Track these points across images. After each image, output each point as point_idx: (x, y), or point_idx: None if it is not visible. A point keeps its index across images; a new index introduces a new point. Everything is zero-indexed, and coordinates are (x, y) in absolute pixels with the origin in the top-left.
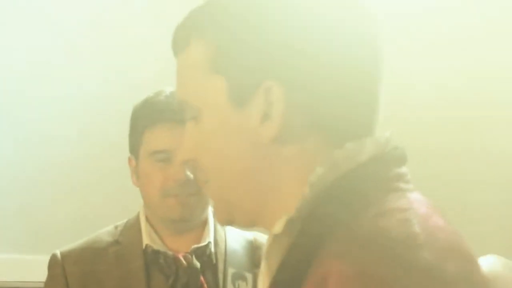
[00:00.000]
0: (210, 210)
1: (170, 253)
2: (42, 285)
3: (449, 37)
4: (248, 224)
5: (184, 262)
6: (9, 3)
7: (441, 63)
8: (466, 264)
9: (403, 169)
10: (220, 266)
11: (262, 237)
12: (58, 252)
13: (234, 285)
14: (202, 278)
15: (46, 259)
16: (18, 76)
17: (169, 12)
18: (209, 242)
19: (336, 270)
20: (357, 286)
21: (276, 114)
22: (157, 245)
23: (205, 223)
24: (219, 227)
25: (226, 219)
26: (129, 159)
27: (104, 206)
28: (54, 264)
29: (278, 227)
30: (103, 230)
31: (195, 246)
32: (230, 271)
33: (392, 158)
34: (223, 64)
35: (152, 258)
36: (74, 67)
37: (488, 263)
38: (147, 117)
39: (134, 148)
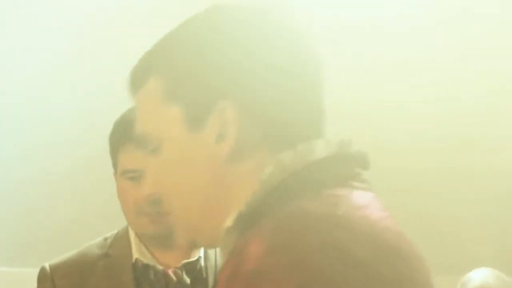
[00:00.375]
0: None
1: (160, 268)
2: None
3: (430, 55)
4: (211, 244)
5: (174, 277)
6: (13, 8)
7: (426, 80)
8: (384, 255)
9: (361, 171)
10: (211, 280)
11: None
12: (47, 265)
13: None
14: None
15: (35, 272)
16: (19, 80)
17: (171, 17)
18: (200, 257)
19: (252, 240)
20: (270, 256)
21: (230, 132)
22: (147, 259)
23: None
24: None
25: (190, 241)
26: (114, 175)
27: (94, 218)
28: (43, 277)
29: (229, 221)
30: (93, 242)
31: (185, 261)
32: None
33: (347, 158)
34: (177, 93)
35: (142, 272)
36: (76, 71)
37: (481, 275)
38: (120, 135)
39: (114, 165)
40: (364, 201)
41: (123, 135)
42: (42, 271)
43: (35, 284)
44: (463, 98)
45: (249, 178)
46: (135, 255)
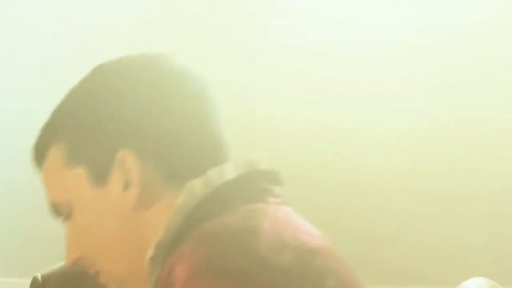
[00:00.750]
0: None
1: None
2: None
3: (416, 80)
4: None
5: None
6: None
7: (411, 105)
8: (305, 259)
9: (273, 187)
10: None
11: None
12: (39, 275)
13: None
14: None
15: (27, 282)
16: (17, 82)
17: (168, 25)
18: None
19: (175, 265)
20: (195, 279)
21: (135, 178)
22: None
23: None
24: None
25: None
26: None
27: None
28: (35, 287)
29: (150, 252)
30: None
31: None
32: None
33: (258, 176)
34: (77, 154)
35: None
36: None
37: (476, 285)
38: None
39: None
40: (280, 213)
41: None
42: (34, 281)
43: None
44: (464, 119)
45: (163, 216)
46: None
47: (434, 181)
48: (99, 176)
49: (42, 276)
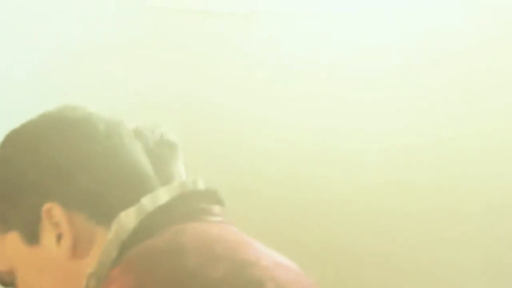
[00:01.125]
0: None
1: None
2: None
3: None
4: None
5: None
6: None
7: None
8: (240, 269)
9: (211, 206)
10: None
11: None
12: None
13: None
14: None
15: None
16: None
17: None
18: None
19: (109, 283)
20: None
21: (65, 229)
22: None
23: None
24: None
25: None
26: None
27: None
28: None
29: (82, 283)
30: None
31: None
32: None
33: (195, 196)
34: (6, 219)
35: None
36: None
37: None
38: None
39: None
40: (215, 230)
41: None
42: None
43: None
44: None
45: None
46: None
47: (425, 200)
48: (31, 235)
49: None
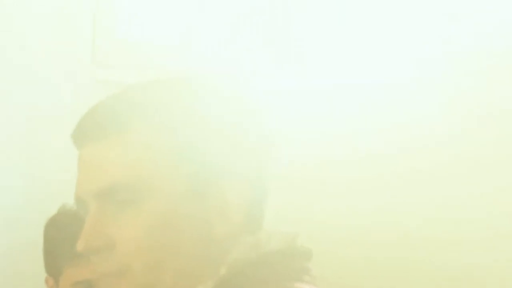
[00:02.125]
0: None
1: None
2: None
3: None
4: None
5: None
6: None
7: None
8: None
9: (309, 265)
10: None
11: None
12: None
13: None
14: None
15: None
16: None
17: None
18: None
19: None
20: None
21: None
22: None
23: None
24: None
25: None
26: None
27: None
28: None
29: None
30: None
31: None
32: None
33: (299, 253)
34: None
35: None
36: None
37: None
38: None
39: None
40: None
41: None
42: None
43: None
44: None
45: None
46: None
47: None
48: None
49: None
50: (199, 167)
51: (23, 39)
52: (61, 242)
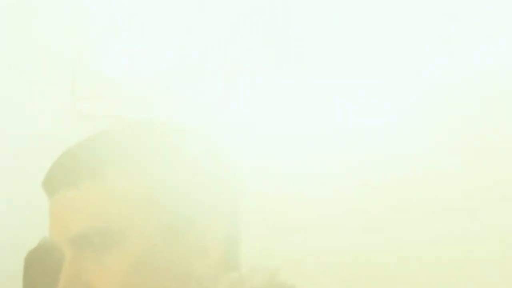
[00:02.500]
0: None
1: None
2: None
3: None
4: None
5: None
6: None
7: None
8: None
9: None
10: None
11: None
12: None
13: None
14: None
15: None
16: None
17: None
18: None
19: None
20: None
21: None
22: None
23: None
24: None
25: None
26: None
27: None
28: None
29: None
30: None
31: None
32: None
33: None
34: None
35: None
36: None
37: None
38: None
39: None
40: None
41: None
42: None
43: None
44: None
45: None
46: None
47: None
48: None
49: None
50: (174, 208)
51: (3, 71)
52: (41, 277)
